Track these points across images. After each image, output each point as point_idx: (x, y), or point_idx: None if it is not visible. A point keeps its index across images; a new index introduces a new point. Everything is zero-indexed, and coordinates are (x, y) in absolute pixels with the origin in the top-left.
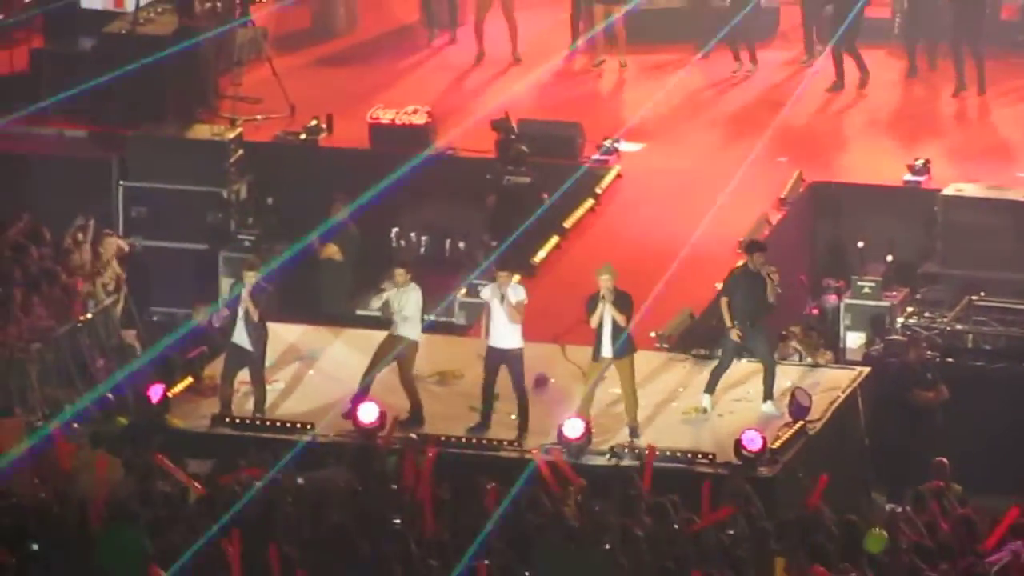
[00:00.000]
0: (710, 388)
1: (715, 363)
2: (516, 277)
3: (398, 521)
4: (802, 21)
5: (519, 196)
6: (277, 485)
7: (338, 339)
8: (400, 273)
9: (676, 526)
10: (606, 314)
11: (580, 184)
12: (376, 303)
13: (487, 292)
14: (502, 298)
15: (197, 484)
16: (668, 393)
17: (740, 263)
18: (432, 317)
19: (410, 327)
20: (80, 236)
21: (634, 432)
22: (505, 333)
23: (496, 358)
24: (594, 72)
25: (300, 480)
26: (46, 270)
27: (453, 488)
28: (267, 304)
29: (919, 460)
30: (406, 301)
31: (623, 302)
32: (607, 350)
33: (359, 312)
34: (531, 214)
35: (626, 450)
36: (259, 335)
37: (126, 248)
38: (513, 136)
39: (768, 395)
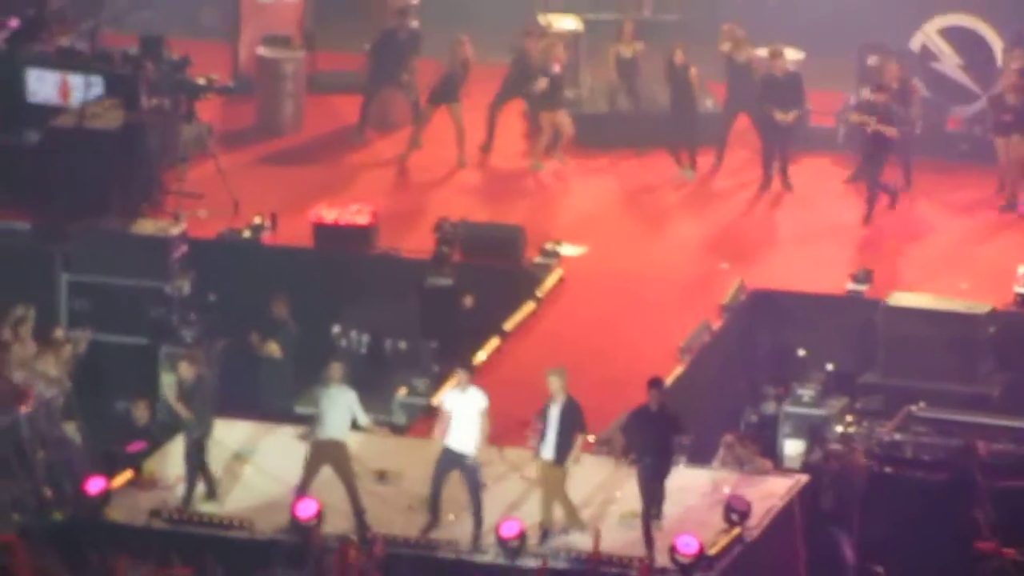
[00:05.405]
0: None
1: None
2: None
3: None
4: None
5: (440, 299)
6: None
7: (276, 436)
8: (337, 367)
9: None
10: (551, 417)
11: (521, 287)
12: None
13: (450, 397)
14: (466, 403)
15: None
16: (604, 497)
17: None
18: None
19: (339, 429)
20: (20, 328)
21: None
22: (463, 437)
23: (451, 460)
24: (539, 175)
25: None
26: None
27: None
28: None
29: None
30: (339, 401)
31: (571, 411)
32: (547, 452)
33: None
34: (453, 316)
35: (561, 553)
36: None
37: (81, 348)
38: (439, 237)
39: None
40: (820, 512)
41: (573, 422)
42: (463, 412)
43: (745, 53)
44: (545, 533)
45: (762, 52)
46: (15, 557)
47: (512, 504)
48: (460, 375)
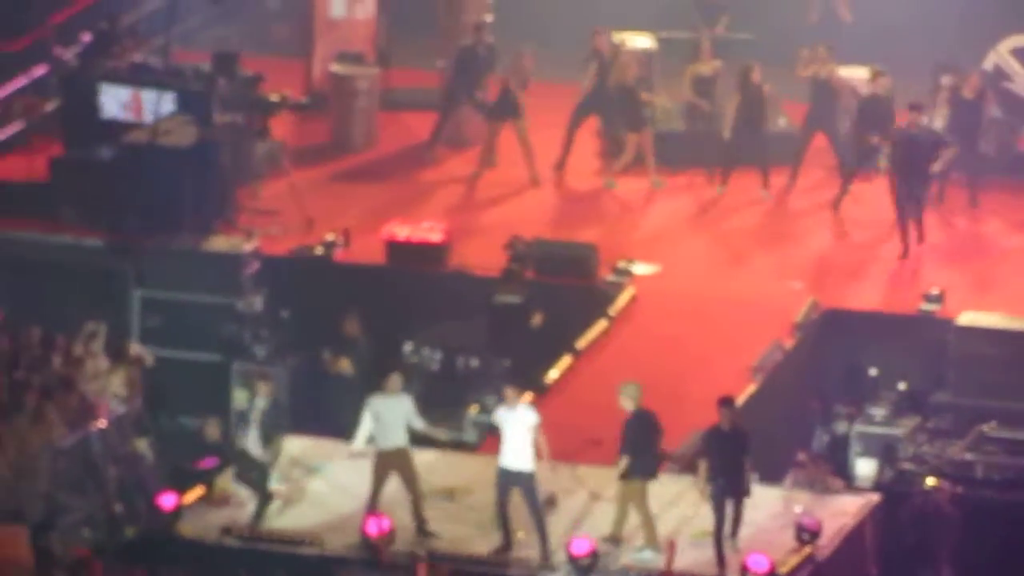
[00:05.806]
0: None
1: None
2: (528, 395)
3: None
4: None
5: (508, 316)
6: None
7: (347, 452)
8: (395, 379)
9: None
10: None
11: (594, 305)
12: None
13: (499, 414)
14: (515, 421)
15: None
16: (677, 515)
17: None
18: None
19: (400, 436)
20: (92, 344)
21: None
22: (517, 455)
23: (507, 480)
24: (613, 193)
25: None
26: (62, 378)
27: None
28: (279, 417)
29: None
30: (396, 410)
31: (627, 427)
32: (621, 464)
33: None
34: (522, 334)
35: (632, 570)
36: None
37: (148, 361)
38: (511, 255)
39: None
40: (902, 548)
41: (625, 437)
42: (513, 430)
43: (827, 71)
44: (613, 541)
45: (856, 72)
46: (89, 572)
47: (582, 520)
48: (508, 393)
